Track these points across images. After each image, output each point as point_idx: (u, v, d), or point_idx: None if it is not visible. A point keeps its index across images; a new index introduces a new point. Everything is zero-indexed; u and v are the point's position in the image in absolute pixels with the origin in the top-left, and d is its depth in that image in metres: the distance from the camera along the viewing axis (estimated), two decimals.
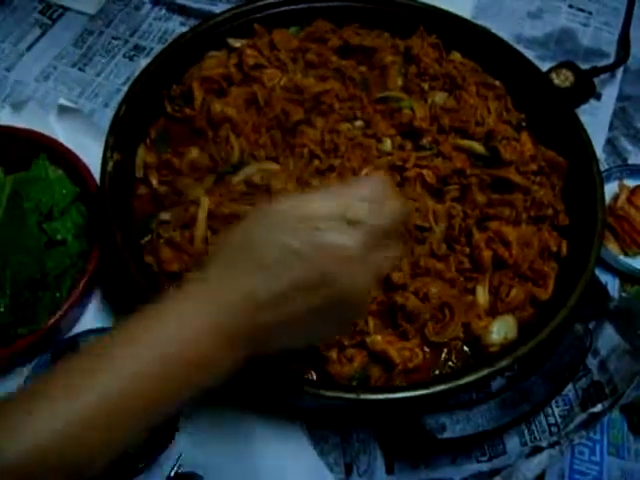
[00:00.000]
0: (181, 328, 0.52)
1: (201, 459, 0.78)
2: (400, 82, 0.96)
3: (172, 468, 0.77)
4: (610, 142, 1.08)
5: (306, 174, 0.84)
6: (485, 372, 0.70)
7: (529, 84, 0.95)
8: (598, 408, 0.75)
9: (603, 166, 1.04)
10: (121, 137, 0.83)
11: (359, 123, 0.90)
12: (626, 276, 0.96)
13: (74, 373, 0.50)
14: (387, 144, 0.88)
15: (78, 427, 0.48)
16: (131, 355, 0.51)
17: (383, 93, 0.93)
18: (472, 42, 0.98)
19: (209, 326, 0.52)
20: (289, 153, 0.86)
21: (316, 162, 0.85)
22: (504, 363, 0.71)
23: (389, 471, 0.78)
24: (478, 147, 0.87)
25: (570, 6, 1.24)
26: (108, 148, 0.81)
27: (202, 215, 0.79)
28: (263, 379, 0.70)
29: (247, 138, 0.86)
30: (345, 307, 0.56)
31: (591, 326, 0.83)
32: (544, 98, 0.94)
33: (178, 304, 0.54)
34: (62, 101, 1.00)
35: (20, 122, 0.96)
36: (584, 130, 0.89)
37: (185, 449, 0.78)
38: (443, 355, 0.76)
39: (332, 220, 0.53)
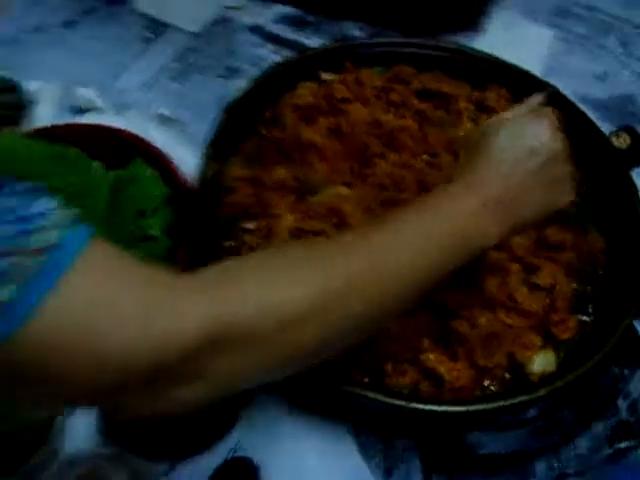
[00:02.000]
0: (456, 206, 0.66)
1: (256, 447, 0.86)
2: (469, 126, 1.04)
3: (230, 452, 0.86)
4: None
5: (373, 203, 0.92)
6: (524, 398, 0.77)
7: (590, 143, 1.03)
8: (624, 444, 0.82)
9: None
10: (218, 149, 0.93)
11: (425, 157, 0.99)
12: None
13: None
14: None
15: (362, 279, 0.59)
16: (416, 227, 0.64)
17: (454, 134, 1.01)
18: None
19: (477, 202, 0.66)
20: (361, 182, 0.95)
21: (385, 193, 0.94)
22: (541, 392, 0.78)
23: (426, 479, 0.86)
24: None
25: (633, 71, 1.32)
26: (207, 157, 0.91)
27: (283, 228, 0.88)
28: (324, 382, 0.78)
29: (328, 163, 0.95)
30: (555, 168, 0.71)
31: (626, 371, 0.90)
32: (603, 158, 1.01)
33: (444, 191, 0.69)
34: (162, 110, 1.11)
35: (122, 126, 1.07)
36: (636, 190, 0.97)
37: (242, 437, 0.86)
38: (486, 379, 0.84)
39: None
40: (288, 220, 0.89)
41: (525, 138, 0.71)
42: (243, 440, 0.86)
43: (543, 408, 0.86)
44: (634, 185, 0.98)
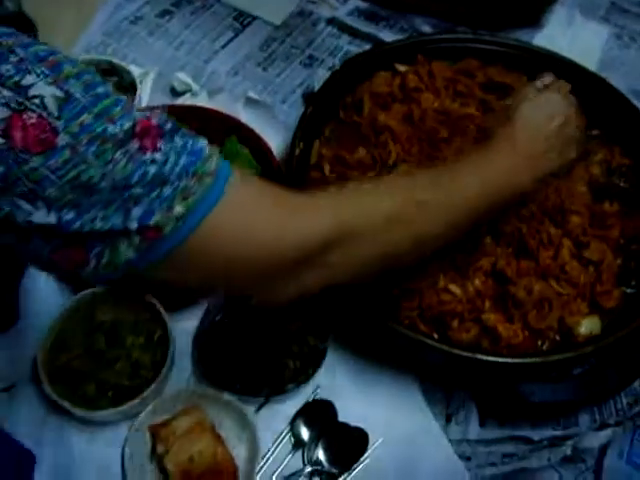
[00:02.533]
0: (502, 159, 0.85)
1: (334, 393, 0.98)
2: None
3: (312, 394, 0.98)
4: None
5: None
6: (571, 354, 0.89)
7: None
8: None
9: None
10: (305, 131, 1.05)
11: None
12: None
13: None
14: None
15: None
16: (475, 174, 0.82)
17: None
18: (593, 91, 1.16)
19: (516, 158, 0.86)
20: (429, 163, 1.06)
21: None
22: (587, 350, 0.89)
23: (481, 425, 0.97)
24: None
25: None
26: (297, 138, 1.03)
27: None
28: (397, 335, 0.91)
29: (402, 146, 1.06)
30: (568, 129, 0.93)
31: None
32: None
33: (491, 149, 0.88)
34: (250, 94, 1.23)
35: (213, 106, 1.19)
36: None
37: (323, 382, 0.98)
38: (539, 340, 0.95)
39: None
40: None
41: (544, 107, 0.93)
42: (324, 385, 0.98)
43: (589, 366, 0.97)
44: None
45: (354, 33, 1.39)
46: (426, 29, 1.38)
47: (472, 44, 1.20)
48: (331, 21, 1.41)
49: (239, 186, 0.64)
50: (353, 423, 0.95)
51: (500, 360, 0.88)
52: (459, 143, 1.08)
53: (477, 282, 0.95)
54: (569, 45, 1.33)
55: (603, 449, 0.97)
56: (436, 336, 0.93)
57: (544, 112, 0.92)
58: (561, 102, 0.95)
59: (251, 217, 0.64)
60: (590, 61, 1.35)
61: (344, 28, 1.40)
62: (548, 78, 1.00)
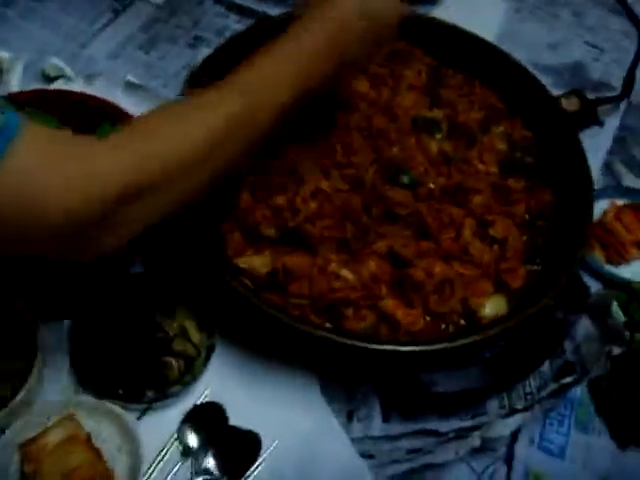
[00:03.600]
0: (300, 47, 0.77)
1: (224, 395, 0.90)
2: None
3: (199, 397, 0.90)
4: (607, 165, 1.21)
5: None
6: (475, 338, 0.83)
7: (541, 106, 1.08)
8: (568, 380, 0.88)
9: (598, 184, 1.17)
10: None
11: None
12: (608, 282, 1.09)
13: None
14: None
15: None
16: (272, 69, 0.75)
17: None
18: (493, 64, 1.11)
19: (313, 39, 0.77)
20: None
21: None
22: (492, 332, 0.84)
23: (385, 420, 0.91)
24: None
25: (586, 42, 1.38)
26: None
27: None
28: (285, 327, 0.83)
29: None
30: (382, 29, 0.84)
31: (572, 317, 0.96)
32: (552, 119, 1.07)
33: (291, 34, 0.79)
34: (129, 77, 1.14)
35: (91, 93, 1.10)
36: (581, 147, 1.03)
37: (212, 383, 0.90)
38: (442, 324, 0.89)
39: None
40: None
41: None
42: (214, 387, 0.90)
43: (496, 349, 0.91)
44: (581, 145, 1.03)
45: (243, 11, 1.31)
46: None
47: None
48: (218, 0, 1.32)
49: (27, 139, 0.57)
50: (245, 426, 0.88)
51: (398, 349, 0.82)
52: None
53: (372, 266, 0.88)
54: (467, 20, 1.28)
55: (514, 436, 0.92)
56: (329, 326, 0.86)
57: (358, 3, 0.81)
58: None
59: (37, 171, 0.58)
60: (488, 35, 1.31)
61: (232, 6, 1.32)
62: None
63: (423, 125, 1.03)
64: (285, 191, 0.91)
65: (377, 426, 0.90)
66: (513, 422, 0.87)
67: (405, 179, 0.95)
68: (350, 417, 0.91)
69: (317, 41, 0.77)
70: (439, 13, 1.32)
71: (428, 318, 0.89)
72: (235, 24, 1.29)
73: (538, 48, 1.36)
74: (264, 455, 0.86)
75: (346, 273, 0.87)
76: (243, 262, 0.88)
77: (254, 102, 0.72)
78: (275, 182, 0.93)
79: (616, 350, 0.89)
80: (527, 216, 1.00)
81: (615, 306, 0.92)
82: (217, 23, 1.30)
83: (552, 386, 0.89)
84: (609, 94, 1.26)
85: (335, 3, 0.79)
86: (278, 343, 0.92)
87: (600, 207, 1.14)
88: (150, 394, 0.87)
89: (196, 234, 0.88)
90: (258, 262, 0.88)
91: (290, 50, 0.77)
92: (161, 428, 0.87)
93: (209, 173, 0.69)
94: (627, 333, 0.89)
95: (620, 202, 1.15)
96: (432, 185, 0.96)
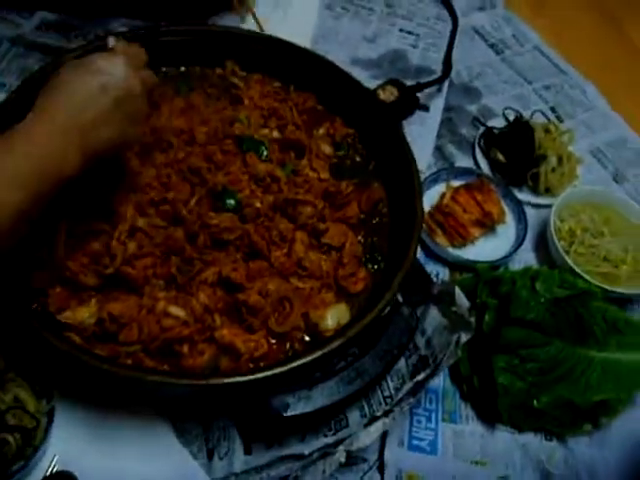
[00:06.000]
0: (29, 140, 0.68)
1: (75, 460, 0.84)
2: None
3: (48, 468, 0.83)
4: (438, 148, 1.22)
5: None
6: (319, 354, 0.79)
7: (359, 101, 1.06)
8: (422, 376, 0.86)
9: (432, 169, 1.17)
10: None
11: None
12: (454, 265, 1.09)
13: None
14: None
15: None
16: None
17: None
18: (305, 68, 1.09)
19: (47, 131, 0.69)
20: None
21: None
22: (335, 344, 0.80)
23: (247, 452, 0.87)
24: None
25: (400, 30, 1.38)
26: None
27: None
28: (119, 379, 0.78)
29: None
30: (130, 103, 0.77)
31: (420, 311, 0.94)
32: (371, 112, 1.05)
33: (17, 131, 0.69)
34: None
35: None
36: (402, 135, 1.01)
37: (59, 450, 0.84)
38: (287, 345, 0.86)
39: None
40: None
41: (95, 74, 0.75)
42: (62, 454, 0.84)
43: (350, 358, 0.88)
44: (402, 133, 1.02)
45: (45, 49, 1.24)
46: (123, 30, 1.25)
47: (163, 37, 1.08)
48: (16, 41, 1.25)
49: None
50: None
51: (237, 380, 0.77)
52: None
53: (202, 297, 0.84)
54: (280, 24, 1.26)
55: (383, 443, 0.90)
56: (166, 368, 0.81)
57: (95, 80, 0.74)
58: (121, 70, 0.76)
59: None
60: (306, 36, 1.30)
61: (32, 46, 1.24)
62: (111, 41, 0.81)
63: (249, 145, 1.00)
64: (100, 235, 0.86)
65: (240, 460, 0.86)
66: (376, 429, 0.84)
67: (231, 203, 0.92)
68: (211, 456, 0.87)
69: (44, 128, 0.70)
70: (250, 23, 1.28)
71: (273, 340, 0.85)
72: (39, 64, 1.20)
73: (355, 43, 1.35)
74: None
75: (175, 310, 0.82)
76: (66, 317, 0.82)
77: None
78: (91, 227, 0.87)
79: (464, 337, 0.87)
80: (362, 215, 0.98)
81: (458, 292, 0.90)
82: (18, 65, 1.22)
83: (409, 384, 0.86)
84: (431, 78, 1.27)
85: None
86: (118, 395, 0.86)
87: (437, 191, 1.14)
88: None
89: (9, 295, 0.81)
90: (83, 314, 0.82)
91: (18, 145, 0.68)
92: None
93: None
94: (472, 319, 0.87)
95: (457, 183, 1.15)
96: (259, 204, 0.92)
